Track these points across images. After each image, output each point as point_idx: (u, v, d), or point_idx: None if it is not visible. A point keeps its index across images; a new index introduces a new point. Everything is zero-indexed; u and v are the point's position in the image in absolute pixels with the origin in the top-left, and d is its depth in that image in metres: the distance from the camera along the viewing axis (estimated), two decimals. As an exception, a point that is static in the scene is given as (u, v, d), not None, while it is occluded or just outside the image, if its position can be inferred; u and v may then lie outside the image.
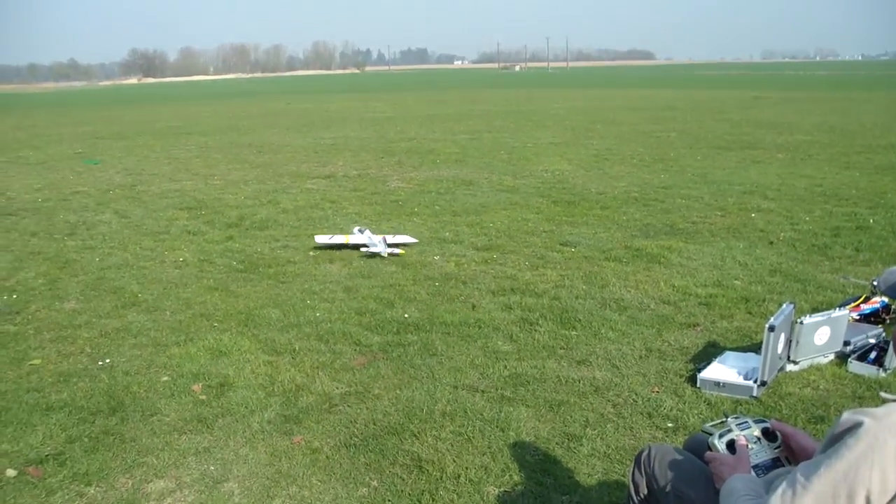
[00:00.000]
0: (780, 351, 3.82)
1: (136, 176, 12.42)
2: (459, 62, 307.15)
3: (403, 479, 3.08)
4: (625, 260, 6.27)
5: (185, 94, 58.01)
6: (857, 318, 4.48)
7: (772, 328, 3.65)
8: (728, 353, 4.09)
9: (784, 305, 3.94)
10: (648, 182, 10.20)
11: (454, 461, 3.18)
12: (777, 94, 32.98)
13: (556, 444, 3.30)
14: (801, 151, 12.93)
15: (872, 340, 4.13)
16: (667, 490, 2.02)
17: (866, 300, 4.62)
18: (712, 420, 3.36)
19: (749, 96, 30.98)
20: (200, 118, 27.09)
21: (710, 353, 4.23)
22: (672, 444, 2.24)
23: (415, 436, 3.41)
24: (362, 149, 15.30)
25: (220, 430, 3.54)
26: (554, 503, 2.88)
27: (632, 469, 2.18)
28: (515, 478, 3.05)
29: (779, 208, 8.19)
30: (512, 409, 3.64)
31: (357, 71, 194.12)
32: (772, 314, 3.97)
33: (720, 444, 1.92)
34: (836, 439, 1.44)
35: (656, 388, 3.84)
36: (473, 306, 5.18)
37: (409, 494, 2.98)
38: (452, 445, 3.31)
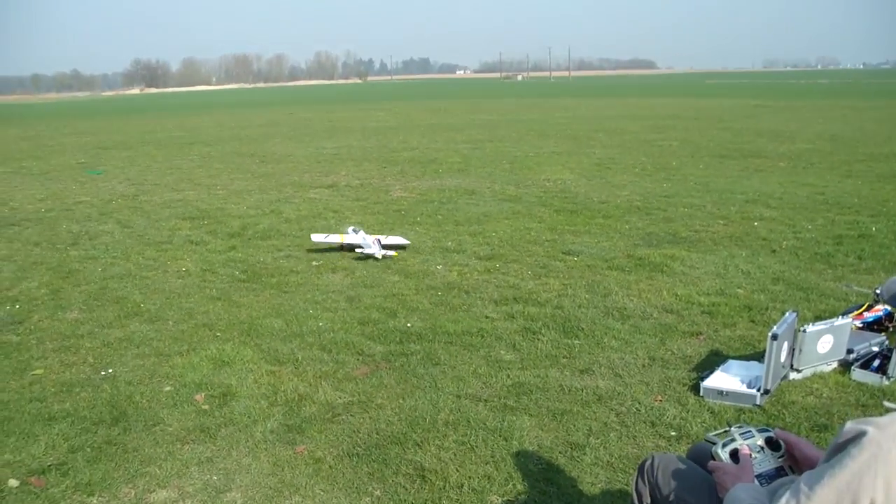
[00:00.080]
0: (783, 359, 3.81)
1: (139, 186, 12.45)
2: (461, 72, 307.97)
3: (406, 489, 3.07)
4: (627, 269, 6.27)
5: (187, 104, 58.16)
6: (860, 326, 4.47)
7: (775, 336, 3.65)
8: (731, 362, 4.09)
9: (787, 314, 3.94)
10: (651, 191, 10.20)
11: (457, 470, 3.17)
12: (778, 102, 33.02)
13: (560, 453, 3.30)
14: (803, 160, 12.94)
15: (875, 348, 4.12)
16: (670, 499, 2.02)
17: (869, 308, 4.61)
18: (715, 429, 3.35)
19: (750, 105, 31.02)
20: (203, 128, 27.16)
21: (713, 361, 4.22)
22: (675, 454, 2.23)
23: (418, 445, 3.41)
24: (365, 158, 15.33)
25: (223, 439, 3.54)
26: (557, 513, 2.87)
27: (635, 478, 2.17)
28: (518, 487, 3.04)
29: (781, 217, 8.19)
30: (515, 418, 3.63)
31: (359, 81, 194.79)
32: (775, 322, 3.97)
33: (724, 454, 1.92)
34: (840, 449, 1.43)
35: (659, 397, 3.83)
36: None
37: (412, 504, 2.97)
38: (455, 455, 3.31)
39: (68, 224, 9.19)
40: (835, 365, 4.06)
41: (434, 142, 18.42)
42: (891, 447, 1.37)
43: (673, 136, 18.01)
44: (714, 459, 1.94)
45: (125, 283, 6.39)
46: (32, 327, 5.30)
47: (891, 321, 4.54)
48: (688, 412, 3.64)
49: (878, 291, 4.81)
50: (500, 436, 3.46)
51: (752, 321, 4.91)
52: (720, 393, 3.75)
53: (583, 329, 4.87)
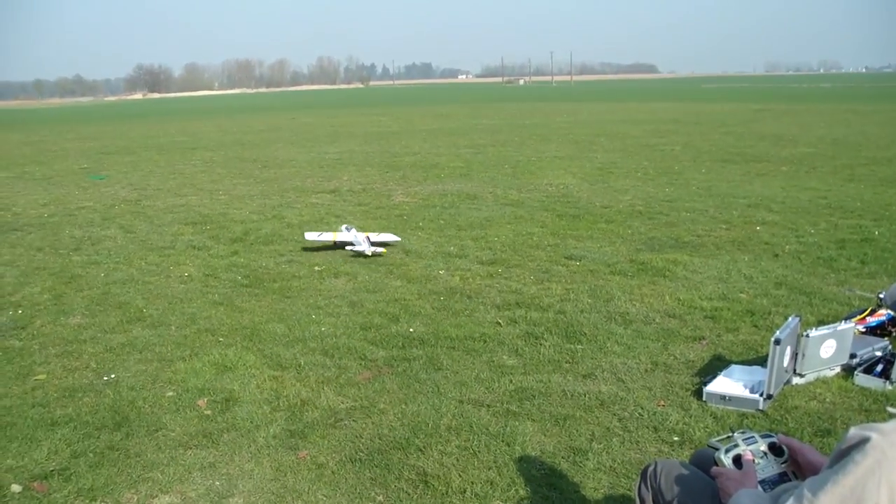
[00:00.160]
0: (786, 364, 3.81)
1: (142, 191, 12.47)
2: (463, 76, 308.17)
3: (409, 494, 3.07)
4: (630, 273, 6.27)
5: (190, 109, 58.30)
6: (863, 330, 4.46)
7: (777, 341, 3.65)
8: (734, 367, 4.08)
9: (790, 318, 3.94)
10: (653, 195, 10.20)
11: (460, 476, 3.17)
12: (780, 106, 33.02)
13: (562, 458, 3.29)
14: (805, 164, 12.94)
15: (879, 353, 4.12)
16: (673, 505, 2.02)
17: (872, 313, 4.60)
18: (718, 434, 3.35)
19: (752, 109, 31.03)
20: (205, 133, 27.22)
21: (715, 366, 4.22)
22: (678, 459, 2.23)
23: (420, 450, 3.40)
24: (367, 163, 15.35)
25: (226, 445, 3.54)
26: (560, 518, 2.87)
27: (638, 483, 2.17)
28: (521, 492, 3.04)
29: (784, 221, 8.18)
30: (517, 423, 3.63)
31: (361, 85, 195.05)
32: (777, 327, 3.97)
33: (726, 459, 1.92)
34: (843, 455, 1.43)
35: (662, 402, 3.83)
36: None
37: (415, 510, 2.97)
38: (458, 460, 3.31)
39: (71, 229, 9.21)
40: (838, 370, 4.05)
41: (436, 146, 18.44)
42: (895, 453, 1.36)
43: (675, 140, 18.02)
44: (717, 465, 1.93)
45: (128, 288, 6.40)
46: (35, 332, 5.31)
47: (894, 325, 4.53)
48: (690, 417, 3.64)
49: (881, 296, 4.81)
50: (502, 441, 3.45)
51: (755, 326, 4.91)
52: (723, 398, 3.74)
53: (585, 334, 4.86)
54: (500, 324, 5.12)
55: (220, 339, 5.01)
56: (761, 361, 4.03)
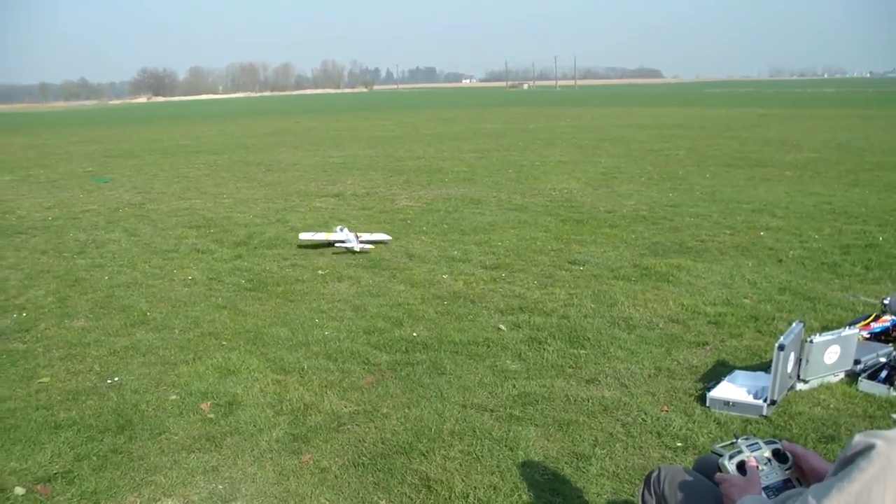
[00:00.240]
0: (789, 370, 3.80)
1: (146, 194, 12.50)
2: (467, 81, 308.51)
3: (412, 499, 3.07)
4: (633, 278, 6.27)
5: (194, 112, 58.43)
6: (868, 336, 4.45)
7: (781, 347, 3.64)
8: (737, 372, 4.07)
9: (794, 324, 3.93)
10: (657, 200, 10.20)
11: (463, 481, 3.17)
12: (785, 111, 33.00)
13: (565, 463, 3.29)
14: (809, 169, 12.92)
15: (883, 359, 4.10)
16: (677, 511, 2.01)
17: (877, 318, 4.59)
18: (722, 439, 3.34)
19: (756, 114, 31.01)
20: (209, 137, 27.27)
21: (719, 371, 4.21)
22: (682, 465, 2.23)
23: (423, 455, 3.40)
24: (371, 167, 15.36)
25: (229, 448, 3.54)
26: (563, 524, 2.86)
27: (641, 489, 2.16)
28: (524, 497, 3.04)
29: (788, 226, 8.17)
30: (521, 428, 3.62)
31: (365, 89, 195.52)
32: (781, 333, 3.96)
33: (730, 465, 1.91)
34: (848, 462, 1.43)
35: (665, 408, 3.82)
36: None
37: (418, 514, 2.97)
38: (461, 465, 3.30)
39: (75, 232, 9.23)
40: (842, 376, 4.04)
41: (440, 151, 18.45)
42: (900, 460, 1.36)
43: (679, 145, 18.01)
44: (721, 471, 1.93)
45: (131, 291, 6.41)
46: (39, 335, 5.32)
47: (898, 332, 4.52)
48: (694, 423, 3.63)
49: (885, 302, 4.79)
50: (505, 446, 3.45)
51: (759, 331, 4.90)
52: (726, 404, 3.73)
53: (589, 339, 4.86)
54: (501, 329, 5.11)
55: (224, 343, 5.01)
56: (765, 367, 4.03)
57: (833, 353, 3.94)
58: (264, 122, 38.21)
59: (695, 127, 24.24)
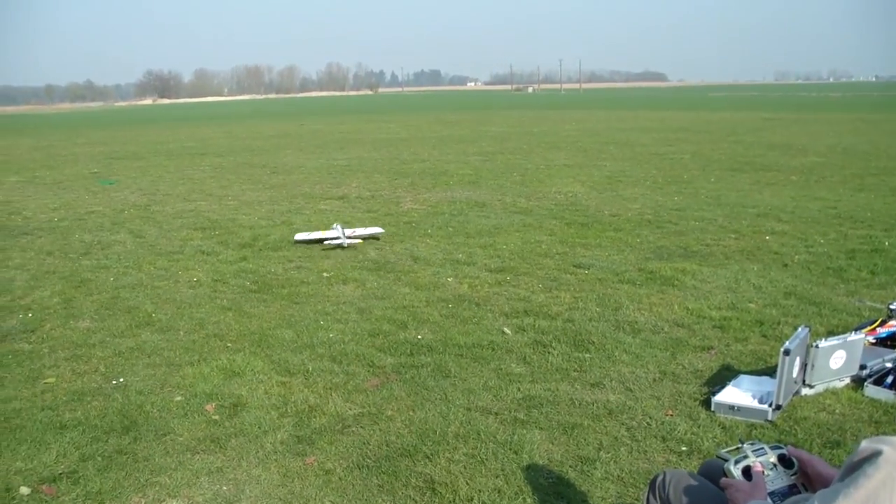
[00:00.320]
0: (795, 375, 3.79)
1: (151, 196, 12.53)
2: (472, 84, 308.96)
3: (416, 501, 3.07)
4: (638, 282, 6.26)
5: (199, 115, 58.56)
6: (874, 341, 4.44)
7: (787, 352, 3.63)
8: (742, 377, 4.06)
9: (799, 329, 3.92)
10: (662, 204, 10.19)
11: (467, 483, 3.17)
12: (790, 115, 32.95)
13: (570, 467, 3.29)
14: (814, 173, 12.90)
15: (889, 364, 4.09)
16: (682, 516, 2.01)
17: (882, 323, 4.58)
18: (727, 444, 3.34)
19: (761, 118, 30.97)
20: (215, 139, 27.33)
21: (724, 376, 4.20)
22: (687, 470, 2.22)
23: (428, 458, 3.40)
24: (375, 170, 15.38)
25: (233, 450, 3.54)
26: (567, 527, 2.86)
27: (646, 494, 2.16)
28: (528, 501, 3.03)
29: (793, 231, 8.16)
30: (525, 431, 3.62)
31: (370, 92, 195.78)
32: (787, 337, 3.95)
33: (736, 471, 1.91)
34: (855, 467, 1.42)
35: (670, 412, 3.81)
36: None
37: (422, 517, 2.97)
38: (465, 467, 3.30)
39: (81, 233, 9.25)
40: (847, 381, 4.03)
41: (445, 154, 18.46)
42: (907, 466, 1.36)
43: (684, 149, 17.99)
44: (726, 476, 1.93)
45: (137, 292, 6.43)
46: (45, 336, 5.33)
47: (904, 337, 4.50)
48: (699, 427, 3.63)
49: (891, 307, 4.79)
50: (510, 449, 3.45)
51: (764, 336, 4.89)
52: (731, 408, 3.73)
53: (593, 343, 4.85)
54: (505, 332, 5.11)
55: (229, 345, 5.02)
56: (770, 372, 4.02)
57: (839, 357, 3.93)
58: (269, 124, 38.28)
59: (700, 131, 24.21)
